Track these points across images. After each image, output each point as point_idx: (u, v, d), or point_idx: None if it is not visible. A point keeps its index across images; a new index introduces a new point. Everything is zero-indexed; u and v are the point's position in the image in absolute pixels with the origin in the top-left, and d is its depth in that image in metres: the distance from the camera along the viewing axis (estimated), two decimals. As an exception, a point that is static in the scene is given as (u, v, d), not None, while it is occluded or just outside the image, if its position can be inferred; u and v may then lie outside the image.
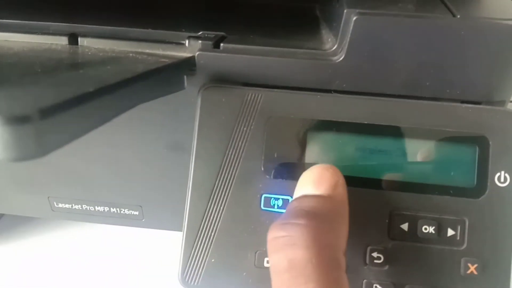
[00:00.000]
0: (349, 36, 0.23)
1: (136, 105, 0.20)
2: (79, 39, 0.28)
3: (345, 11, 0.24)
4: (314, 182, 0.21)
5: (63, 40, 0.28)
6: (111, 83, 0.16)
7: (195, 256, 0.25)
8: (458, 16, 0.23)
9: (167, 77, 0.24)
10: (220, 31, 0.28)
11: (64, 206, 0.34)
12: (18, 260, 0.36)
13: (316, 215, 0.19)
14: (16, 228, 0.39)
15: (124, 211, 0.33)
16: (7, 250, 0.37)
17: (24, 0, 0.34)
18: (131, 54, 0.25)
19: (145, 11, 0.35)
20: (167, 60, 0.24)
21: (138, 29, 0.28)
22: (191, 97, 0.26)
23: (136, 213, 0.33)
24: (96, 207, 0.33)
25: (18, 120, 0.11)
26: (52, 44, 0.27)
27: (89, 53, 0.25)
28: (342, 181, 0.21)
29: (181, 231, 0.25)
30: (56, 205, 0.34)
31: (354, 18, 0.23)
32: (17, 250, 0.37)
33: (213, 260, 0.25)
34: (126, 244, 0.37)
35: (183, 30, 0.28)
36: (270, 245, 0.19)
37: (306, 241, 0.18)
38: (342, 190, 0.21)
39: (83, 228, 0.38)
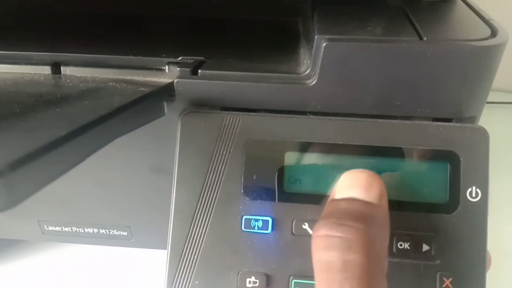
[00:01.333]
0: (320, 61, 0.24)
1: (116, 138, 0.21)
2: (61, 68, 0.28)
3: (315, 37, 0.24)
4: (365, 187, 0.21)
5: (46, 70, 0.28)
6: (84, 123, 0.17)
7: (179, 278, 0.25)
8: (425, 39, 0.24)
9: (146, 105, 0.24)
10: (200, 55, 0.29)
11: (54, 229, 0.35)
12: (10, 282, 0.36)
13: (372, 222, 0.20)
14: (6, 250, 0.39)
15: (113, 232, 0.34)
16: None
17: (7, 29, 0.35)
18: (111, 84, 0.26)
19: (128, 32, 0.36)
20: (145, 89, 0.25)
21: (118, 57, 0.29)
22: (172, 122, 0.27)
23: (125, 233, 0.34)
24: (85, 228, 0.34)
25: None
26: (35, 74, 0.28)
27: (70, 84, 0.26)
28: (385, 191, 0.22)
29: (168, 250, 0.26)
30: (46, 228, 0.35)
31: (324, 44, 0.24)
32: (8, 272, 0.37)
33: (196, 282, 0.25)
34: (116, 263, 0.38)
35: (163, 55, 0.29)
36: (321, 241, 0.20)
37: (363, 246, 0.19)
38: (386, 200, 0.22)
39: (73, 248, 0.39)
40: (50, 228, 0.34)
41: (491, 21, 0.27)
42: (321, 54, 0.24)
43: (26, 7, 0.38)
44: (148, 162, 0.30)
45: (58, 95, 0.22)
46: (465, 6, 0.30)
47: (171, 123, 0.27)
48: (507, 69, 0.34)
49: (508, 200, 0.43)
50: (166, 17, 0.39)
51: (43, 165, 0.14)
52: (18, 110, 0.19)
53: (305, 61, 0.28)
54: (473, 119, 0.26)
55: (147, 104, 0.24)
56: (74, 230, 0.34)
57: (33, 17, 0.38)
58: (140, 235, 0.34)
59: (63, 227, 0.34)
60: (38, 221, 0.34)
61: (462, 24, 0.27)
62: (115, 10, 0.39)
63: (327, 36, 0.24)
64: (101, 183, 0.32)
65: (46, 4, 0.39)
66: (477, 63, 0.24)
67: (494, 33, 0.25)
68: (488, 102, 0.27)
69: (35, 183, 0.13)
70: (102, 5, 0.39)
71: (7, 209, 0.12)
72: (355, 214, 0.20)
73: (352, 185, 0.21)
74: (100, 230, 0.34)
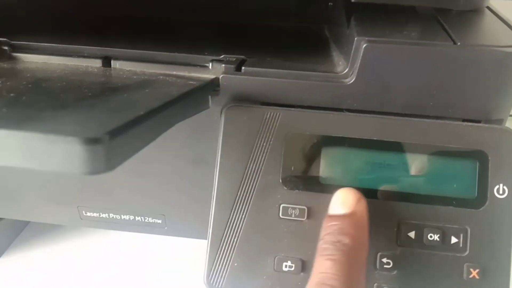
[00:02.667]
0: (359, 61, 0.26)
1: (173, 124, 0.23)
2: (112, 61, 0.30)
3: (355, 38, 0.26)
4: (341, 203, 0.25)
5: (97, 63, 0.30)
6: (155, 106, 0.19)
7: (219, 260, 0.27)
8: (459, 43, 0.26)
9: (195, 98, 0.26)
10: (239, 54, 0.31)
11: (92, 215, 0.36)
12: (46, 266, 0.38)
13: (347, 234, 0.24)
14: (43, 235, 0.41)
15: (148, 220, 0.36)
16: (35, 255, 0.39)
17: (60, 25, 0.37)
18: (161, 77, 0.28)
19: (168, 34, 0.38)
20: (194, 82, 0.27)
21: (164, 53, 0.31)
22: (214, 115, 0.29)
23: (159, 221, 0.36)
24: (122, 215, 0.36)
25: (92, 142, 0.13)
26: (88, 66, 0.30)
27: (124, 76, 0.28)
28: (362, 198, 0.25)
29: (201, 238, 0.27)
30: (84, 214, 0.36)
31: (364, 45, 0.25)
32: (44, 256, 0.39)
33: (236, 264, 0.27)
34: (151, 249, 0.39)
35: (206, 53, 0.31)
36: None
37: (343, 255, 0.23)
38: (362, 205, 0.25)
39: (108, 234, 0.41)
40: (88, 214, 0.36)
41: (519, 30, 0.28)
42: (361, 54, 0.26)
43: (81, 11, 0.40)
44: (187, 153, 0.32)
45: (119, 84, 0.24)
46: (493, 15, 0.31)
47: (213, 117, 0.29)
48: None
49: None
50: (199, 22, 0.42)
51: (131, 137, 0.15)
52: (90, 94, 0.21)
53: (340, 62, 0.30)
54: (500, 121, 0.28)
55: (196, 96, 0.26)
56: (111, 216, 0.36)
57: (86, 19, 0.40)
58: (174, 224, 0.36)
59: (100, 213, 0.36)
60: (78, 207, 0.36)
61: (492, 32, 0.29)
62: (157, 14, 0.42)
63: (366, 38, 0.26)
64: (140, 171, 0.33)
65: (97, 8, 0.41)
66: (505, 68, 0.26)
67: (522, 40, 0.27)
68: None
69: (127, 150, 0.15)
70: (148, 10, 0.41)
71: (106, 171, 0.14)
72: (334, 231, 0.24)
73: (333, 203, 0.26)
74: (136, 217, 0.36)
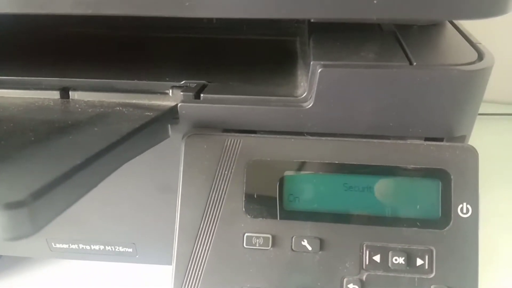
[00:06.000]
0: (316, 85, 0.26)
1: (125, 162, 0.22)
2: (70, 92, 0.30)
3: (311, 63, 0.26)
4: None
5: (55, 95, 0.30)
6: (97, 150, 0.18)
7: (184, 294, 0.26)
8: (415, 64, 0.25)
9: (152, 129, 0.26)
10: (202, 77, 0.30)
11: (62, 246, 0.36)
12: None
13: None
14: (16, 267, 0.40)
15: (118, 249, 0.35)
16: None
17: (16, 54, 0.36)
18: (118, 108, 0.27)
19: (133, 55, 0.37)
20: (151, 114, 0.26)
21: (124, 81, 0.30)
22: (176, 143, 0.28)
23: (130, 250, 0.35)
24: (92, 245, 0.35)
25: (13, 206, 0.13)
26: (45, 99, 0.30)
27: (79, 109, 0.27)
28: None
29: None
30: (54, 246, 0.36)
31: (319, 70, 0.25)
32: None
33: (201, 298, 0.26)
34: (122, 279, 0.38)
35: (167, 78, 0.30)
36: None
37: None
38: None
39: (80, 264, 0.40)
40: (58, 245, 0.36)
41: (478, 45, 0.28)
42: (317, 79, 0.25)
43: (31, 27, 0.40)
44: (153, 181, 0.31)
45: (69, 122, 0.23)
46: (454, 30, 0.31)
47: (175, 144, 0.28)
48: (498, 81, 0.35)
49: (502, 211, 0.44)
50: (168, 38, 0.41)
51: (61, 193, 0.15)
52: (33, 139, 0.20)
53: (301, 84, 0.30)
54: (463, 138, 0.27)
55: (153, 128, 0.25)
56: (81, 247, 0.35)
57: (38, 40, 0.39)
58: (144, 252, 0.35)
59: (70, 245, 0.35)
60: (46, 239, 0.35)
61: (451, 48, 0.29)
62: (119, 31, 0.41)
63: (322, 62, 0.25)
64: (107, 202, 0.33)
65: (50, 25, 0.40)
66: (465, 86, 0.26)
67: (481, 56, 0.27)
68: (480, 114, 0.28)
69: (55, 209, 0.15)
70: (107, 26, 0.41)
71: (29, 236, 0.14)
72: None
73: None
74: (106, 247, 0.35)
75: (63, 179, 0.15)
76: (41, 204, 0.14)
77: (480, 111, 0.28)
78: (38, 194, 0.14)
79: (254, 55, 0.39)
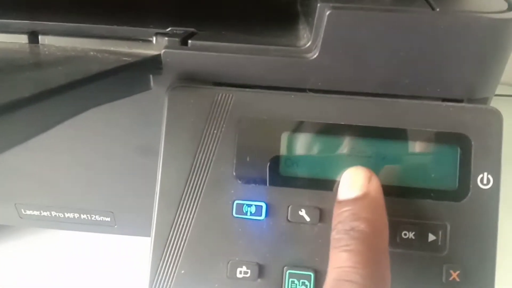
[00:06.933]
0: (323, 31, 0.22)
1: (91, 107, 0.19)
2: (39, 37, 0.26)
3: (318, 5, 0.22)
4: (349, 185, 0.22)
5: (23, 39, 0.26)
6: (53, 86, 0.15)
7: (164, 267, 0.23)
8: (437, 10, 0.22)
9: (129, 77, 0.22)
10: (192, 26, 0.27)
11: (32, 213, 0.32)
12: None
13: (360, 217, 0.21)
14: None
15: (95, 218, 0.32)
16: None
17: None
18: (92, 53, 0.24)
19: (114, 2, 0.33)
20: (129, 59, 0.22)
21: (102, 26, 0.26)
22: (158, 98, 0.25)
23: (108, 219, 0.32)
24: (65, 213, 0.32)
25: None
26: (10, 43, 0.26)
27: (47, 52, 0.23)
28: (374, 176, 0.22)
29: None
30: (24, 212, 0.32)
31: (328, 13, 0.22)
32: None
33: (182, 272, 0.23)
34: (98, 251, 0.35)
35: (151, 26, 0.27)
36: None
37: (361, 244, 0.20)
38: (375, 183, 0.22)
39: (53, 234, 0.37)
40: (28, 212, 0.32)
41: (508, -5, 0.25)
42: (324, 24, 0.22)
43: None
44: (133, 142, 0.28)
45: (31, 61, 0.20)
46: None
47: (158, 99, 0.25)
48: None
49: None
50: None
51: (10, 123, 0.12)
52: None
53: (305, 35, 0.26)
54: (485, 100, 0.24)
55: (130, 75, 0.22)
56: (53, 214, 0.32)
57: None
58: (124, 221, 0.32)
59: (41, 212, 0.32)
60: (15, 204, 0.32)
61: (477, -3, 0.25)
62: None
63: (331, 4, 0.22)
64: (82, 164, 0.30)
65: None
66: (493, 38, 0.22)
67: (511, 6, 0.23)
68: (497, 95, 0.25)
69: (12, 138, 0.11)
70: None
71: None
72: (346, 218, 0.21)
73: (342, 186, 0.22)
74: (82, 215, 0.32)
75: (7, 110, 0.12)
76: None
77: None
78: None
79: (252, 11, 0.35)
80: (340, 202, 0.22)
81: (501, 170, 0.23)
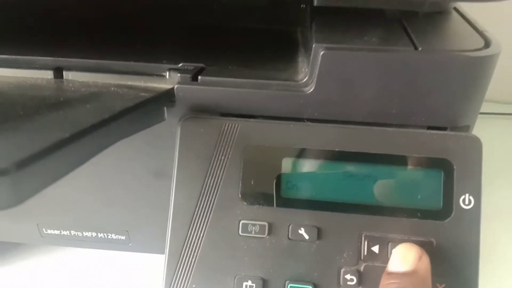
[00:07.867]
0: (317, 69, 0.25)
1: (117, 141, 0.21)
2: (63, 72, 0.29)
3: (313, 45, 0.25)
4: (402, 259, 0.24)
5: (49, 74, 0.29)
6: (87, 126, 0.17)
7: (177, 281, 0.26)
8: (420, 49, 0.24)
9: (147, 110, 0.25)
10: (201, 61, 0.29)
11: (53, 232, 0.35)
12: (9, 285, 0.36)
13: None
14: (6, 253, 0.39)
15: (111, 236, 0.34)
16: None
17: (11, 34, 0.35)
18: (112, 88, 0.26)
19: (130, 38, 0.36)
20: (146, 94, 0.25)
21: (120, 62, 0.29)
22: (172, 127, 0.27)
23: (123, 237, 0.34)
24: (84, 232, 0.34)
25: (-5, 173, 0.12)
26: (38, 78, 0.29)
27: (72, 88, 0.26)
28: (424, 255, 0.24)
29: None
30: (45, 231, 0.35)
31: (322, 53, 0.24)
32: (7, 274, 0.37)
33: (194, 286, 0.25)
34: (114, 267, 0.38)
35: (164, 61, 0.29)
36: None
37: None
38: (425, 262, 0.23)
39: (72, 252, 0.39)
40: (49, 231, 0.35)
41: (485, 33, 0.27)
42: (319, 62, 0.25)
43: (30, 12, 0.39)
44: (147, 166, 0.30)
45: (61, 99, 0.23)
46: (460, 17, 0.30)
47: (171, 128, 0.27)
48: (500, 80, 0.35)
49: (504, 209, 0.43)
50: (167, 23, 0.40)
51: (47, 165, 0.14)
52: (21, 113, 0.19)
53: (303, 69, 0.29)
54: (467, 128, 0.27)
55: (148, 109, 0.25)
56: (72, 233, 0.34)
57: (36, 22, 0.38)
58: (138, 240, 0.34)
59: (61, 231, 0.35)
60: (37, 224, 0.34)
61: (457, 35, 0.28)
62: (117, 15, 0.40)
63: (324, 45, 0.25)
64: (100, 187, 0.32)
65: (49, 9, 0.39)
66: (471, 73, 0.25)
67: (487, 44, 0.26)
68: (481, 113, 0.27)
69: (39, 182, 0.14)
70: (104, 10, 0.40)
71: (11, 207, 0.13)
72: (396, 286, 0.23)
73: (393, 259, 0.24)
74: (98, 234, 0.34)
75: (49, 151, 0.14)
76: (24, 174, 0.13)
77: (480, 110, 0.27)
78: (22, 164, 0.13)
79: (254, 43, 0.38)
80: (390, 273, 0.23)
81: (481, 191, 0.25)
